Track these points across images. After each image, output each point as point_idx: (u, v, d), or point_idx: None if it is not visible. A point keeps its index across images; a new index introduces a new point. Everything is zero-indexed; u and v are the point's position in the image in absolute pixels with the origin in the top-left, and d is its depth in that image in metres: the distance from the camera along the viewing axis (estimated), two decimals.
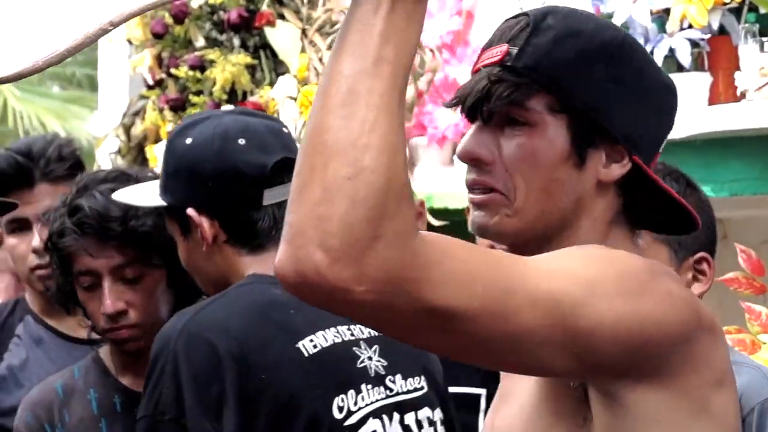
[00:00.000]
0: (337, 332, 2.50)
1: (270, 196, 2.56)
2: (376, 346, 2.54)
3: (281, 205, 2.53)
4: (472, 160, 1.80)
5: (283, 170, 2.54)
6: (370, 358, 2.52)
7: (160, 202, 2.58)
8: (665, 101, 1.92)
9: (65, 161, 3.46)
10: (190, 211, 2.52)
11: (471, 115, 1.80)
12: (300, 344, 2.44)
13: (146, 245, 2.80)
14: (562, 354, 1.57)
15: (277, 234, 2.52)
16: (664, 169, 2.70)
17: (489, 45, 1.83)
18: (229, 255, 2.56)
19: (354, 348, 2.51)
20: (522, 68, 1.76)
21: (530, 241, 1.79)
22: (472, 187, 1.83)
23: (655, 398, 1.66)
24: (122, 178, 2.84)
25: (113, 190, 2.73)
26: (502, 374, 1.98)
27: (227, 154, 2.52)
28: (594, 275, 1.60)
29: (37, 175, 3.39)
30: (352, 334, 2.53)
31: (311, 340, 2.46)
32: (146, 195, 2.64)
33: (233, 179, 2.53)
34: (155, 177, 2.85)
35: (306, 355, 2.44)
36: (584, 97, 1.80)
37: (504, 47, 1.79)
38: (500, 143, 1.77)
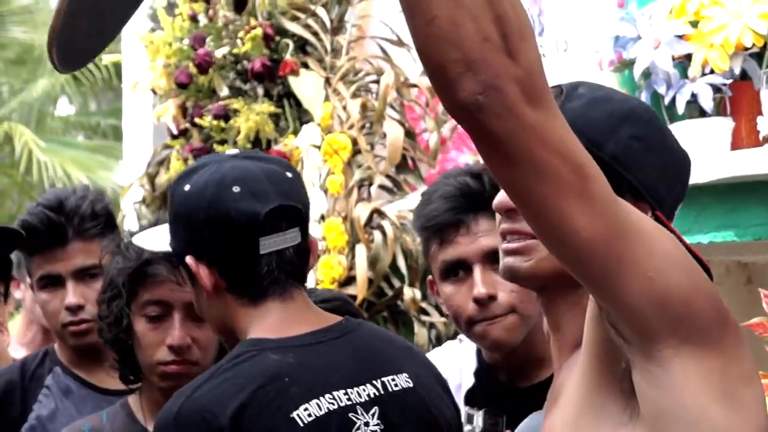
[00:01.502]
0: (333, 398, 2.51)
1: (267, 245, 2.56)
2: (375, 409, 2.54)
3: (280, 254, 2.56)
4: (506, 210, 1.93)
5: (279, 218, 2.56)
6: (366, 424, 2.52)
7: (167, 247, 2.62)
8: (682, 168, 2.05)
9: (98, 218, 3.48)
10: (189, 260, 2.55)
11: None
12: (295, 414, 2.45)
13: None
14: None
15: (278, 283, 2.57)
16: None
17: None
18: (231, 304, 2.58)
19: (350, 414, 2.51)
20: None
21: (560, 283, 1.90)
22: (506, 235, 1.95)
23: (699, 364, 1.70)
24: None
25: None
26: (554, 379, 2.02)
27: (220, 202, 2.53)
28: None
29: (70, 233, 3.41)
30: (349, 399, 2.53)
31: (306, 409, 2.46)
32: (160, 240, 2.67)
33: (226, 227, 2.54)
34: None
35: (301, 425, 2.45)
36: (611, 150, 1.90)
37: None
38: None
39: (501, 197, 1.95)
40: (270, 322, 2.56)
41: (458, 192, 2.90)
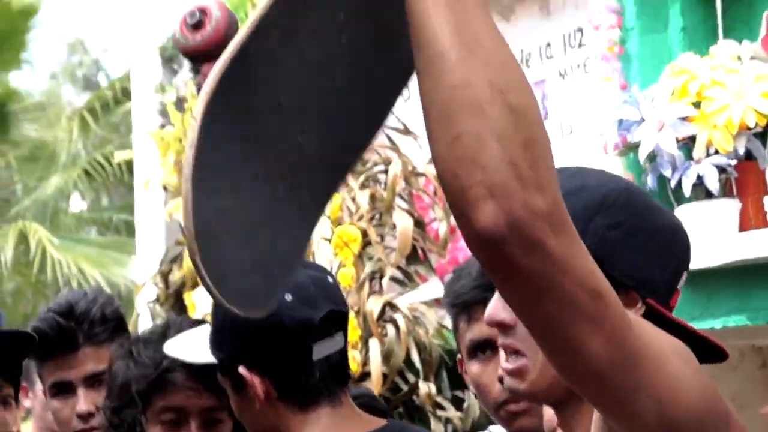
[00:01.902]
0: None
1: (319, 351, 2.55)
2: None
3: (329, 358, 2.55)
4: (495, 324, 1.92)
5: (329, 323, 2.55)
6: None
7: (211, 358, 2.59)
8: (671, 241, 1.99)
9: (108, 322, 3.48)
10: (242, 370, 2.52)
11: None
12: None
13: None
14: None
15: (328, 388, 2.55)
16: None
17: None
18: (282, 412, 2.56)
19: None
20: None
21: (561, 393, 1.90)
22: (503, 350, 1.94)
23: None
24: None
25: None
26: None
27: (274, 311, 2.53)
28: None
29: (81, 339, 3.38)
30: None
31: None
32: (197, 349, 2.65)
33: (281, 335, 2.51)
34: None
35: None
36: (588, 246, 1.89)
37: None
38: None
39: (491, 311, 1.93)
40: (322, 428, 2.55)
41: None
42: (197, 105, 1.41)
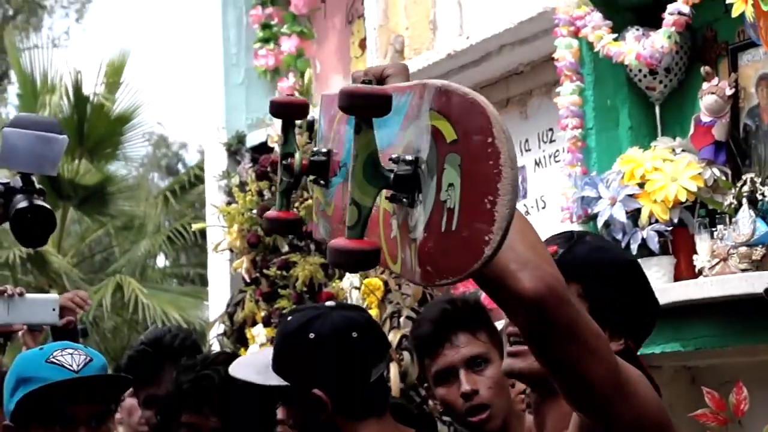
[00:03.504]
0: None
1: (374, 374, 2.51)
2: None
3: (380, 378, 2.53)
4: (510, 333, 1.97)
5: (378, 353, 2.54)
6: None
7: (280, 380, 2.51)
8: (655, 309, 2.07)
9: (186, 350, 3.50)
10: (317, 392, 2.46)
11: None
12: None
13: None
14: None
15: (376, 404, 2.51)
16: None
17: None
18: (341, 423, 2.49)
19: None
20: (565, 262, 1.82)
21: (548, 384, 1.87)
22: (510, 337, 1.95)
23: None
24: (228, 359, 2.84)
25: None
26: None
27: (349, 347, 2.50)
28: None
29: (165, 364, 3.42)
30: None
31: None
32: (260, 373, 2.56)
33: (350, 363, 2.48)
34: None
35: None
36: (608, 294, 1.91)
37: (554, 247, 1.93)
38: None
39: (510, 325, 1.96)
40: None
41: (440, 316, 2.90)
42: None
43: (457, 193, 1.30)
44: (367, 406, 2.51)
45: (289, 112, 1.71)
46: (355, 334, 2.51)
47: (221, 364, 2.77)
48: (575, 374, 1.62)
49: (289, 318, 2.59)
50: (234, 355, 2.97)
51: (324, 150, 1.55)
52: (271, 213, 1.74)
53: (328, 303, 2.77)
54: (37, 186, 2.64)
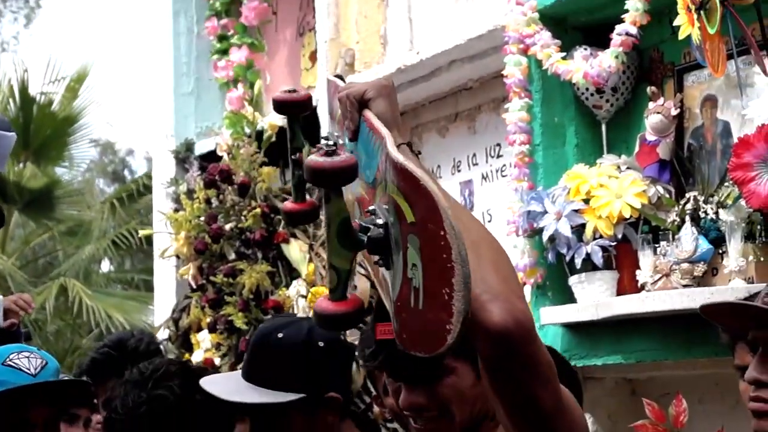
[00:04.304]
0: None
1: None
2: None
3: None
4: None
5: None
6: None
7: (290, 396, 2.48)
8: None
9: (150, 354, 3.42)
10: (334, 394, 2.51)
11: None
12: None
13: None
14: None
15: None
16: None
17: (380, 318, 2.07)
18: (335, 424, 2.55)
19: None
20: None
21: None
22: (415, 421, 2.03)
23: None
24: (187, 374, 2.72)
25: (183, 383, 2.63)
26: None
27: (350, 352, 2.64)
28: None
29: (128, 367, 3.35)
30: None
31: None
32: (231, 391, 2.52)
33: (348, 368, 2.61)
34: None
35: None
36: None
37: None
38: None
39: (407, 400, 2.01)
40: None
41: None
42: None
43: (420, 275, 1.31)
44: (348, 408, 2.58)
45: (293, 108, 1.71)
46: (322, 344, 2.53)
47: (173, 378, 2.63)
48: (527, 400, 1.60)
49: (279, 335, 2.55)
50: (183, 364, 2.84)
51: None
52: (288, 205, 1.72)
53: (298, 314, 2.76)
54: None
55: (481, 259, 1.50)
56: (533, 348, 1.55)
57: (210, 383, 2.57)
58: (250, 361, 2.57)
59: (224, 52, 6.35)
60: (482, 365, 1.60)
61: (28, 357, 2.57)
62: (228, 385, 2.55)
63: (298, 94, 1.72)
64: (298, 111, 1.72)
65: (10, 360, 2.55)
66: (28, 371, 2.53)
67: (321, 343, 2.49)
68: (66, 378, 2.65)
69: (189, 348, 5.53)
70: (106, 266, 14.68)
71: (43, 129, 12.66)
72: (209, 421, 2.59)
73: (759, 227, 3.35)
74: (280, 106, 1.69)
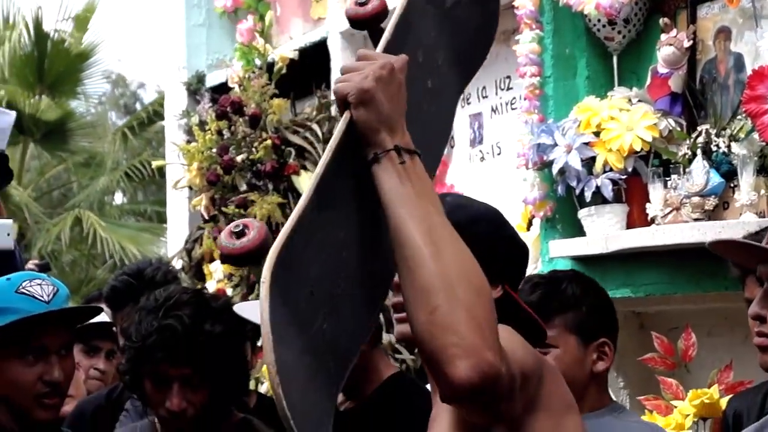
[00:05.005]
0: None
1: None
2: None
3: None
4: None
5: None
6: None
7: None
8: (523, 259, 2.03)
9: (168, 283, 3.39)
10: None
11: None
12: None
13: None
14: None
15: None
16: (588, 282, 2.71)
17: None
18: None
19: None
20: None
21: None
22: (394, 307, 1.84)
23: (537, 421, 1.67)
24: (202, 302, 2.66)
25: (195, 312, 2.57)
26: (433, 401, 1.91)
27: None
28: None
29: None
30: None
31: None
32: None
33: None
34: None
35: None
36: (473, 247, 1.74)
37: None
38: None
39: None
40: (384, 361, 2.65)
41: None
42: (262, 292, 1.43)
43: None
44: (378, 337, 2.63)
45: (370, 23, 1.70)
46: None
47: (184, 307, 2.58)
48: (499, 414, 1.62)
49: None
50: (196, 293, 2.81)
51: None
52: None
53: None
54: None
55: (456, 305, 1.46)
56: (498, 391, 1.52)
57: (240, 309, 2.61)
58: None
59: None
60: (444, 402, 1.59)
61: (40, 284, 2.56)
62: (256, 311, 2.52)
63: (366, 9, 1.69)
64: (375, 24, 1.70)
65: (23, 288, 2.53)
66: (41, 298, 2.51)
67: None
68: (80, 305, 2.65)
69: (202, 278, 5.52)
70: (119, 198, 14.72)
71: (57, 64, 12.61)
72: (219, 349, 2.55)
73: None
74: (355, 24, 1.67)
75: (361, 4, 1.68)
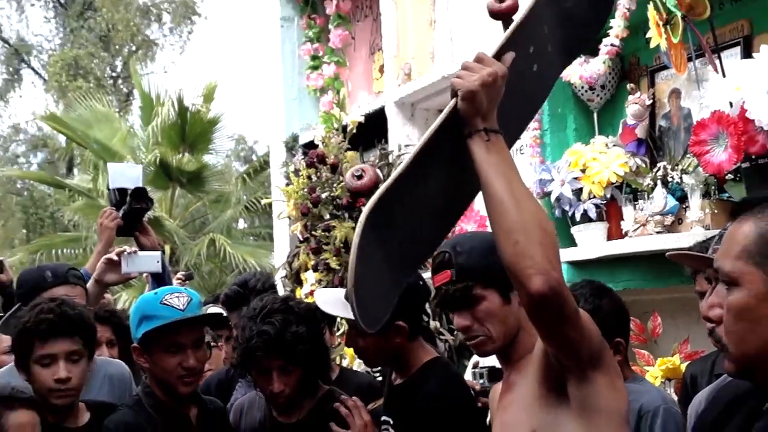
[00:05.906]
0: None
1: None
2: None
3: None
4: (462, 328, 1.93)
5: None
6: None
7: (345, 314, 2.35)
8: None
9: (267, 290, 3.40)
10: (401, 323, 2.35)
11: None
12: None
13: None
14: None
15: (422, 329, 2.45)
16: (596, 286, 2.62)
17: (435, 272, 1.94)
18: (405, 342, 2.41)
19: None
20: (461, 275, 1.86)
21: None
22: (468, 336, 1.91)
23: (603, 378, 1.65)
24: (287, 310, 2.59)
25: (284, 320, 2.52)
26: (501, 394, 1.89)
27: (421, 292, 2.44)
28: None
29: (251, 299, 3.31)
30: None
31: None
32: (339, 308, 2.40)
33: (420, 301, 2.45)
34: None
35: None
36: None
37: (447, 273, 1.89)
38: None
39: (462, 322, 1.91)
40: (424, 351, 2.44)
41: None
42: (360, 219, 1.44)
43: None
44: (420, 329, 2.46)
45: (505, 16, 1.65)
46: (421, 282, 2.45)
47: (275, 314, 2.55)
48: (567, 342, 1.59)
49: None
50: (284, 302, 2.75)
51: None
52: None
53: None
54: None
55: (531, 240, 1.48)
56: (564, 307, 1.52)
57: (318, 293, 2.54)
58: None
59: (315, 68, 6.31)
60: (527, 314, 1.58)
61: (177, 297, 2.59)
62: (328, 298, 2.49)
63: (502, 6, 1.64)
64: (509, 17, 1.65)
65: (165, 300, 2.57)
66: (178, 307, 2.54)
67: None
68: (205, 314, 2.67)
69: (299, 283, 5.53)
70: (241, 224, 14.83)
71: (195, 129, 12.78)
72: (303, 343, 2.53)
73: (713, 188, 3.27)
74: (494, 16, 1.64)
75: (500, 1, 1.64)
